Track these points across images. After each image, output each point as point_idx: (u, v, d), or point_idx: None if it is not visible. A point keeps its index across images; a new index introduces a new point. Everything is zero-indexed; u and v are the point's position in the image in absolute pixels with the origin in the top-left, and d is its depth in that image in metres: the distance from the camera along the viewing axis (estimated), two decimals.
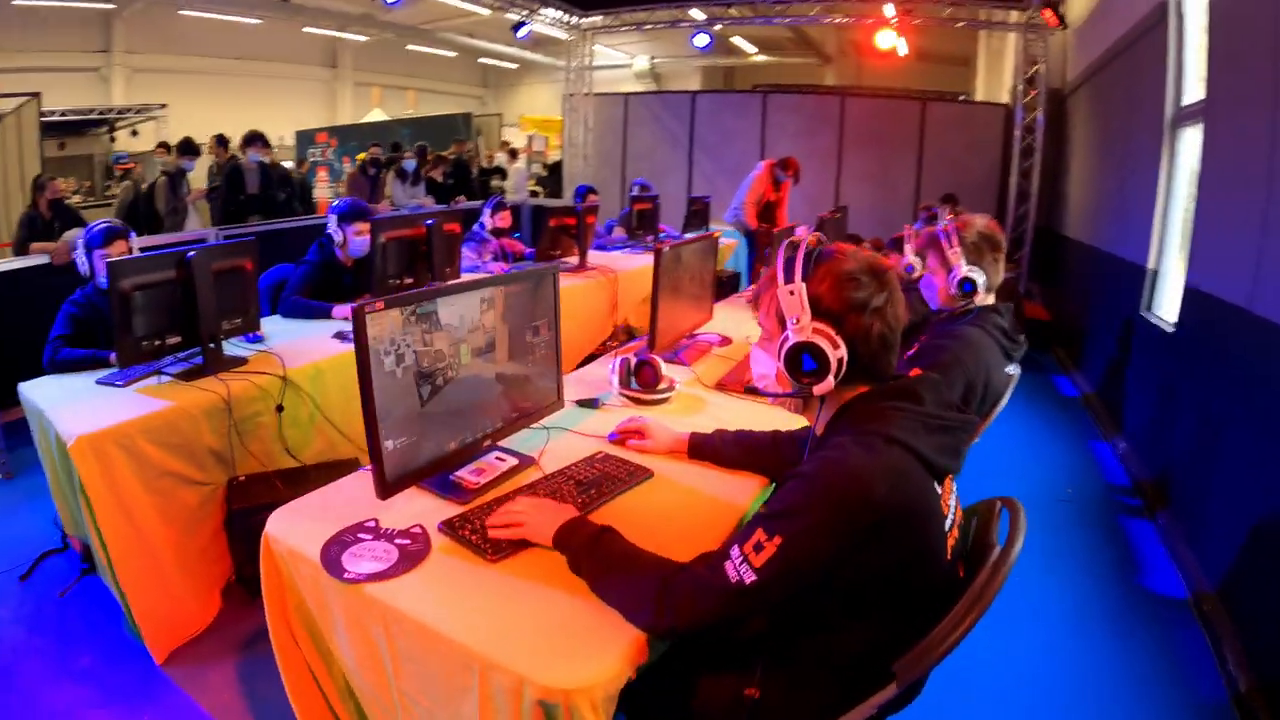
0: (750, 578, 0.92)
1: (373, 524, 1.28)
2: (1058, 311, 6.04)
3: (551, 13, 8.91)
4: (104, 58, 13.82)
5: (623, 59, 17.08)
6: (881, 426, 0.97)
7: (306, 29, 15.83)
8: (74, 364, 2.24)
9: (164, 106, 13.13)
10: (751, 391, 1.18)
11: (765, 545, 0.92)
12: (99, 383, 2.12)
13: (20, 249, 4.10)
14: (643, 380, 1.96)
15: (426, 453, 1.33)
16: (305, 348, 2.47)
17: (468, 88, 20.48)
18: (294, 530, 1.27)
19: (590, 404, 1.92)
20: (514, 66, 18.68)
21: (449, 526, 1.25)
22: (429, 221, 3.08)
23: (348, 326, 2.54)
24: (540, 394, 1.64)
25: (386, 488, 1.24)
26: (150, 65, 14.28)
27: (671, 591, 0.98)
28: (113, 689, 1.86)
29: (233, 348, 2.40)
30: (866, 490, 0.90)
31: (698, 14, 8.75)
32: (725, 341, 2.60)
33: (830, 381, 1.01)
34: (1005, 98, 8.09)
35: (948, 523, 1.01)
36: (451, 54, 18.11)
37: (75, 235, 4.16)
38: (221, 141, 6.25)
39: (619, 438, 1.65)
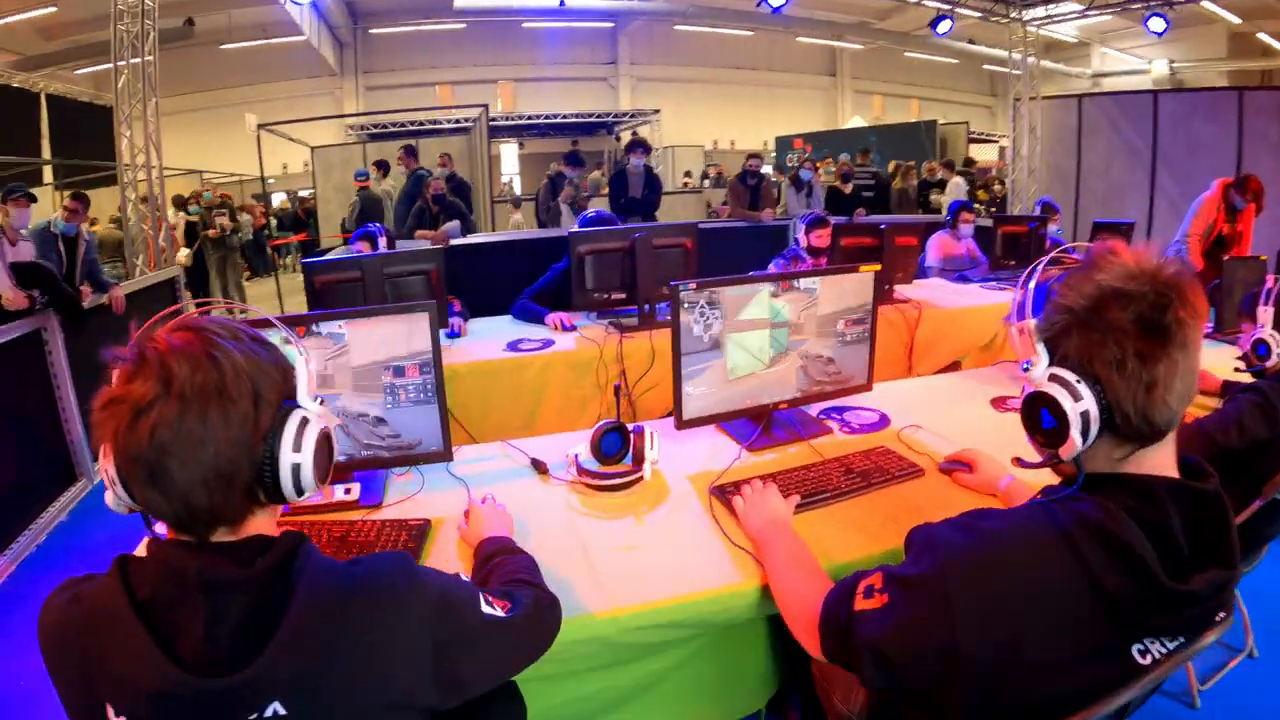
0: None
1: None
2: None
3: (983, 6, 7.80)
4: (611, 69, 16.67)
5: (1138, 63, 14.40)
6: None
7: (801, 38, 16.56)
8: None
9: (657, 112, 14.93)
10: None
11: None
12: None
13: (408, 235, 5.18)
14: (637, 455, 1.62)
15: None
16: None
17: (974, 96, 19.19)
18: None
19: (539, 467, 1.69)
20: (1019, 74, 16.62)
21: None
22: (637, 235, 2.92)
23: (556, 335, 2.92)
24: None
25: None
26: (650, 75, 16.76)
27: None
28: None
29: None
30: None
31: None
32: (882, 422, 1.90)
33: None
34: None
35: None
36: (953, 61, 17.01)
37: (453, 226, 5.34)
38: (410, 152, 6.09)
39: None
